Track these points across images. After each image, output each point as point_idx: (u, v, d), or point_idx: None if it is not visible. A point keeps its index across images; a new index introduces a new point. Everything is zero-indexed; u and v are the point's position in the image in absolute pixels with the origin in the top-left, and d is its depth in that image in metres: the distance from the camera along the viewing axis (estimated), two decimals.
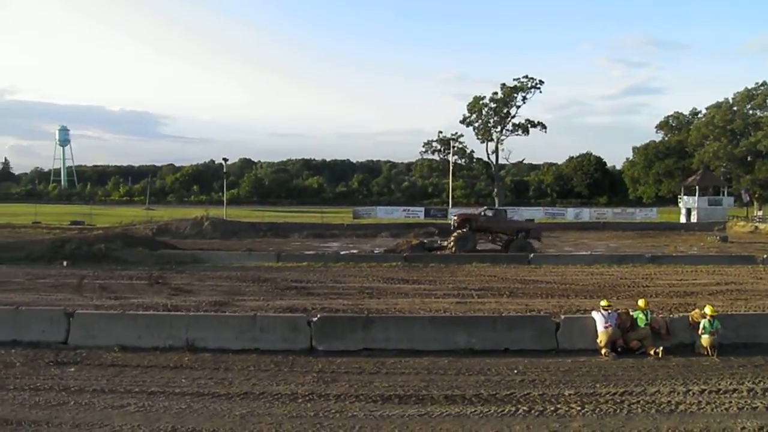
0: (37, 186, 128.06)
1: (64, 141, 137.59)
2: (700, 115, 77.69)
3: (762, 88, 68.70)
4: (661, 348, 11.10)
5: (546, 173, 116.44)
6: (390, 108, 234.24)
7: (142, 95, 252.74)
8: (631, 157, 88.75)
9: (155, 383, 9.42)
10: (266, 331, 11.56)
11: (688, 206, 60.12)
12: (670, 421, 7.91)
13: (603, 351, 11.10)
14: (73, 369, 10.20)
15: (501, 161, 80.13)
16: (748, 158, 68.43)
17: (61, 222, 49.10)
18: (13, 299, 15.84)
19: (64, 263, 23.75)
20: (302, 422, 7.89)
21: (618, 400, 8.66)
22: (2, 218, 49.65)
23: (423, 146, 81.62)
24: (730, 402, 8.57)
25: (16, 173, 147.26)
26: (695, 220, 56.21)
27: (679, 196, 64.29)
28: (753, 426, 7.72)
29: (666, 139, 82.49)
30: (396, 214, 68.48)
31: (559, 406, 8.46)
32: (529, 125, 77.30)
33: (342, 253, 29.00)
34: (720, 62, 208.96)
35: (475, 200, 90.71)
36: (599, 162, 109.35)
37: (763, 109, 68.91)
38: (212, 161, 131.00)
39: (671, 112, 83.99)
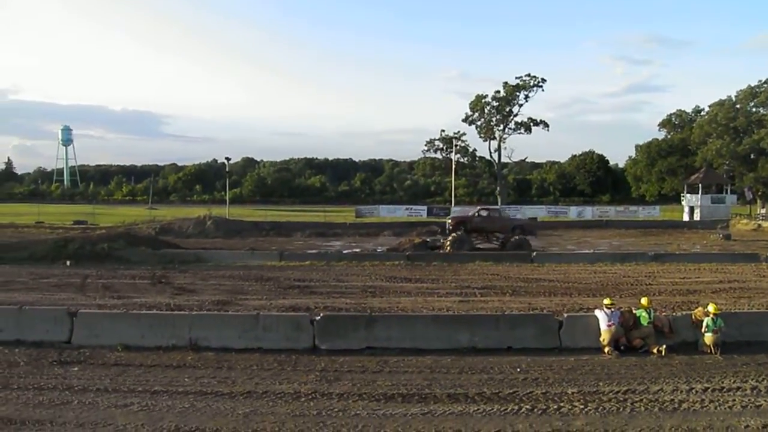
0: (40, 186, 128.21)
1: (67, 141, 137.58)
2: (703, 113, 77.30)
3: (765, 85, 68.25)
4: (664, 346, 11.10)
5: (548, 171, 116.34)
6: (392, 107, 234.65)
7: (143, 95, 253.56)
8: (633, 155, 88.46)
9: (158, 382, 9.44)
10: (269, 330, 11.57)
11: (691, 204, 59.88)
12: (673, 419, 7.91)
13: (606, 349, 11.10)
14: (76, 368, 10.23)
15: (503, 160, 80.00)
16: (752, 156, 68.10)
17: (64, 222, 49.16)
18: (16, 299, 15.91)
19: (68, 263, 23.81)
20: (305, 421, 7.91)
21: (621, 399, 8.65)
22: (5, 218, 49.73)
23: (425, 145, 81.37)
24: (734, 400, 8.56)
25: (19, 173, 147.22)
26: (698, 218, 55.97)
27: (682, 194, 64.02)
28: (756, 424, 7.71)
29: (669, 137, 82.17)
30: (398, 212, 68.29)
31: (562, 404, 8.46)
32: (531, 123, 77.14)
33: (345, 252, 29.04)
34: (723, 60, 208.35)
35: (478, 198, 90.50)
36: (602, 160, 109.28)
37: (767, 106, 68.60)
38: (215, 160, 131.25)
39: (674, 110, 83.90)
